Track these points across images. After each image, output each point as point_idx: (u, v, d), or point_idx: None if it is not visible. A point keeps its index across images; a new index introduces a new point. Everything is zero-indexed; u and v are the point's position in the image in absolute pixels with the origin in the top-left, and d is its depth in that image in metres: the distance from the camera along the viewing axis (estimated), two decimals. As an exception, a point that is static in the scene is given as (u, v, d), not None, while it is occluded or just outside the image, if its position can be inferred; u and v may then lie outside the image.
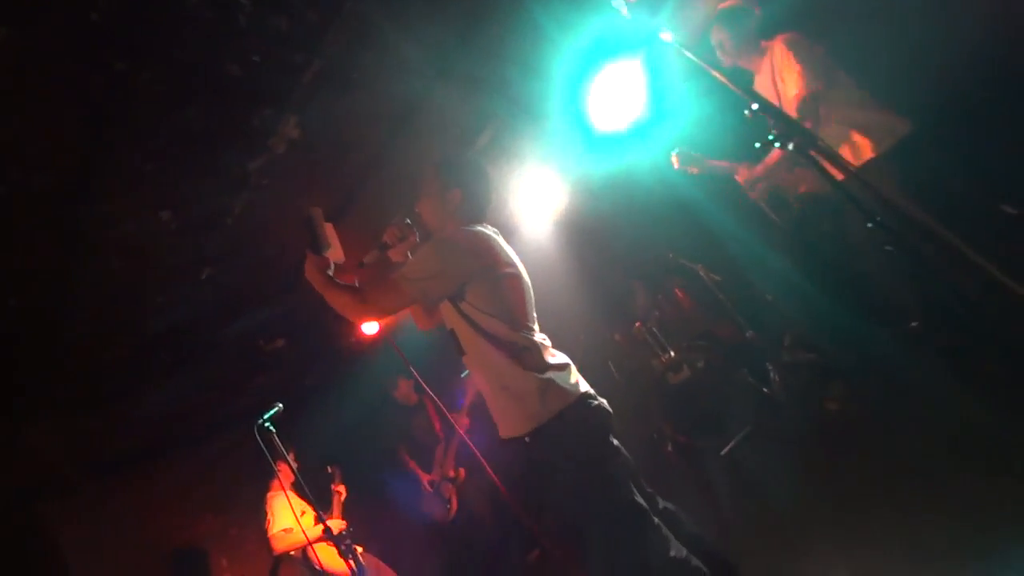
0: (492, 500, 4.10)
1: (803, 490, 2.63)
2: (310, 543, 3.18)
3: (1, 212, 1.95)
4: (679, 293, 4.14)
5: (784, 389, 3.60)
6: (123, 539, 3.58)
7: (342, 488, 3.55)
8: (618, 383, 4.35)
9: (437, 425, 4.29)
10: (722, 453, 3.44)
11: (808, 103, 2.34)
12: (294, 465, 2.66)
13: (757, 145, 1.26)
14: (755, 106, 1.25)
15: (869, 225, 1.18)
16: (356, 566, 2.66)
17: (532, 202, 4.16)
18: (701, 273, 3.79)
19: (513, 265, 1.82)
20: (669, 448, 3.92)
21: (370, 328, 4.69)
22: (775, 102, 2.43)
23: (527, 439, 1.63)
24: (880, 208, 1.12)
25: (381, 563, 3.48)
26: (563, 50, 3.15)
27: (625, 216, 3.96)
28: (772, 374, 3.67)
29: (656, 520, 1.60)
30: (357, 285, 1.97)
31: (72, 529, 3.45)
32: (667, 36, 1.37)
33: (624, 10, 1.62)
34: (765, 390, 3.68)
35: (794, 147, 1.20)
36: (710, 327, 4.01)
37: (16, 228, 2.04)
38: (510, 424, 1.69)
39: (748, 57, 2.58)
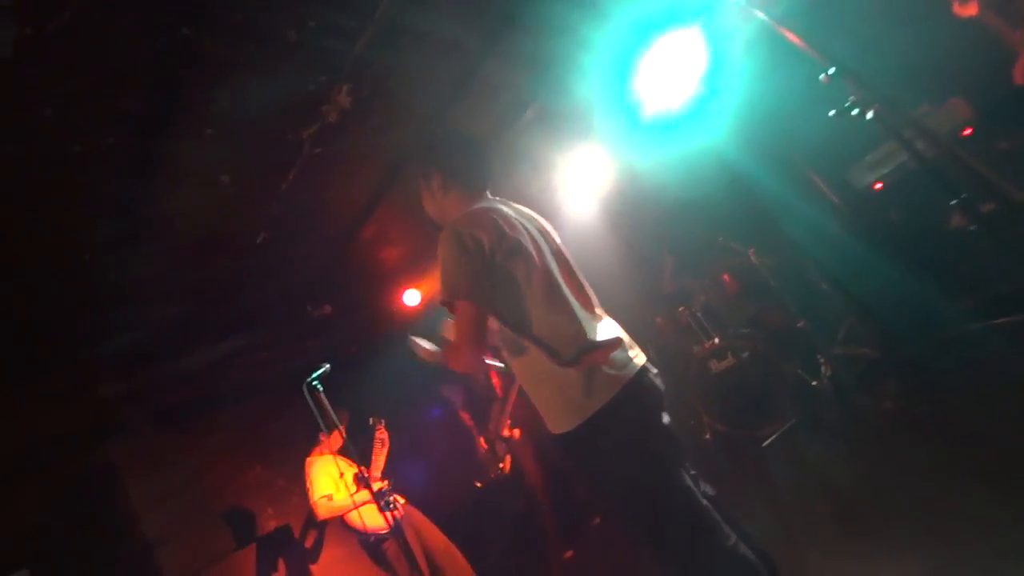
0: (544, 464, 4.10)
1: (846, 487, 2.52)
2: (351, 508, 3.30)
3: (72, 172, 2.07)
4: (726, 277, 3.99)
5: (835, 383, 3.44)
6: (180, 482, 3.86)
7: (385, 436, 3.59)
8: (658, 367, 4.27)
9: (496, 382, 4.22)
10: (764, 445, 3.35)
11: None
12: (340, 422, 2.77)
13: (832, 113, 1.17)
14: (832, 70, 1.17)
15: (953, 203, 1.08)
16: (394, 521, 2.76)
17: (577, 180, 4.08)
18: (752, 257, 3.63)
19: (520, 244, 1.53)
20: (707, 436, 3.84)
21: (412, 299, 4.81)
22: None
23: (575, 434, 1.47)
24: (972, 186, 1.03)
25: (422, 515, 3.58)
26: (615, 22, 3.04)
27: (673, 195, 3.82)
28: (823, 367, 3.52)
29: (705, 504, 1.50)
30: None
31: (136, 470, 3.76)
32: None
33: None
34: (814, 383, 3.53)
35: (874, 115, 1.11)
36: (758, 314, 3.86)
37: (85, 189, 2.17)
38: (555, 419, 1.52)
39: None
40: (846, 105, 1.12)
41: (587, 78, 3.47)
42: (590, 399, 1.44)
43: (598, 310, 1.62)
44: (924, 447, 2.48)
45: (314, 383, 2.62)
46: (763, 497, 2.89)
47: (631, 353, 1.55)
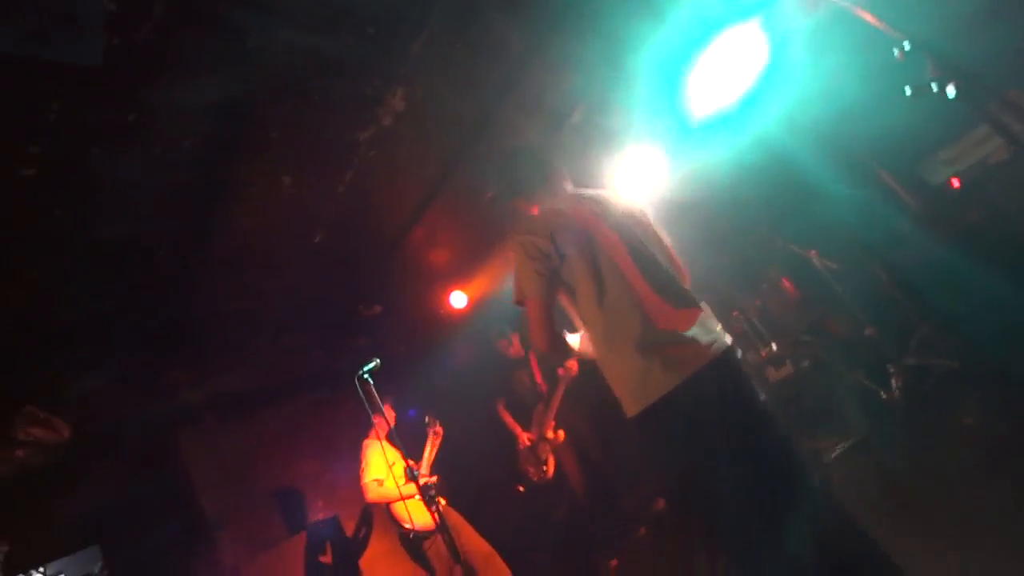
0: (587, 469, 4.05)
1: (913, 509, 2.32)
2: (398, 499, 3.36)
3: (150, 174, 2.24)
4: (786, 282, 3.80)
5: (906, 396, 3.20)
6: (239, 472, 4.07)
7: (440, 431, 3.63)
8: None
9: (541, 383, 4.19)
10: (831, 457, 3.14)
11: None
12: (390, 416, 2.85)
13: (908, 91, 1.09)
14: (907, 45, 1.09)
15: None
16: (440, 518, 2.79)
17: (627, 180, 4.02)
18: (814, 260, 3.45)
19: (579, 243, 1.62)
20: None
21: (459, 301, 4.87)
22: None
23: (638, 420, 1.54)
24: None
25: (462, 519, 3.60)
26: (671, 23, 2.99)
27: (729, 195, 3.68)
28: (893, 378, 3.28)
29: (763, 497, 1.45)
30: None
31: (198, 457, 4.00)
32: None
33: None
34: (883, 395, 3.29)
35: (956, 91, 1.03)
36: (820, 320, 3.65)
37: (163, 190, 2.34)
38: (624, 404, 1.59)
39: None
40: (925, 82, 1.04)
41: (640, 79, 3.44)
42: (645, 392, 1.51)
43: (675, 298, 1.60)
44: (1006, 468, 2.26)
45: (365, 376, 2.71)
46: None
47: (698, 345, 1.52)
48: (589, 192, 1.84)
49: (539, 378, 4.23)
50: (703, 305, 1.63)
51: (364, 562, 4.12)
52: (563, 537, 4.14)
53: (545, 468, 3.98)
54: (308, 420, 4.52)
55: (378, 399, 2.89)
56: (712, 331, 1.57)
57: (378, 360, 2.81)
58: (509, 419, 4.19)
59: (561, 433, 4.02)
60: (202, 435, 4.11)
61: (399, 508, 3.41)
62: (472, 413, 4.70)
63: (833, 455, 3.14)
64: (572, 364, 3.95)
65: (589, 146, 3.79)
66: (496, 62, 2.91)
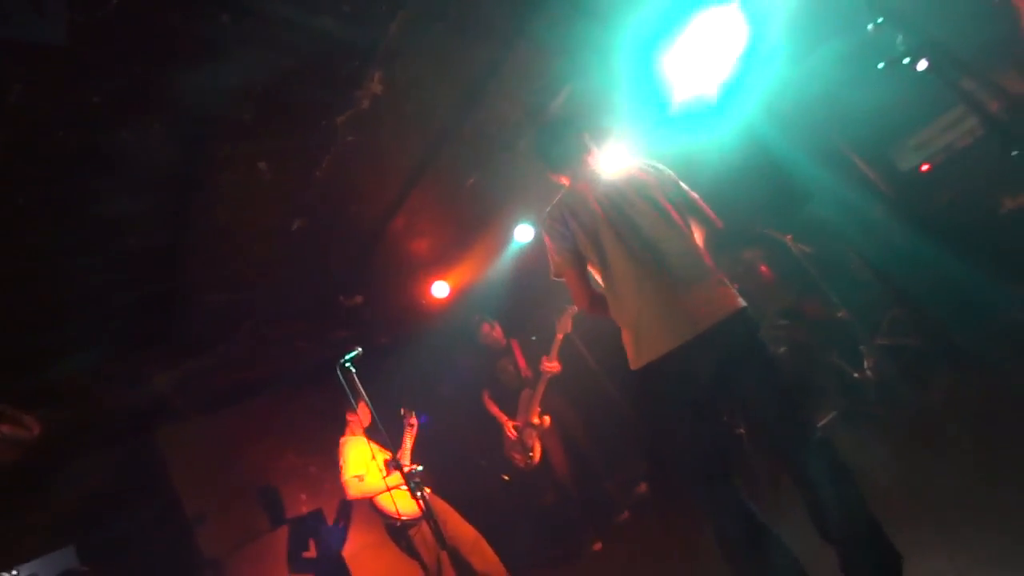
0: (572, 454, 4.08)
1: (885, 481, 2.40)
2: (383, 491, 3.35)
3: (118, 158, 2.16)
4: (762, 267, 3.87)
5: (878, 375, 3.30)
6: (219, 466, 4.01)
7: (415, 421, 3.62)
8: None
9: (524, 369, 4.21)
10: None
11: None
12: (371, 405, 2.83)
13: (881, 65, 1.11)
14: (880, 20, 1.11)
15: (1014, 153, 1.02)
16: (425, 505, 2.79)
17: (609, 165, 4.03)
18: (790, 244, 3.52)
19: (583, 229, 1.83)
20: (742, 431, 3.74)
21: (441, 291, 4.85)
22: None
23: (636, 375, 1.74)
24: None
25: (448, 506, 3.61)
26: (648, 4, 2.98)
27: (708, 179, 3.71)
28: (865, 358, 3.38)
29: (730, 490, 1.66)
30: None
31: (178, 452, 3.93)
32: None
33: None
34: (856, 374, 3.39)
35: (929, 65, 1.05)
36: (796, 303, 3.73)
37: (129, 174, 2.26)
38: (629, 361, 1.80)
39: None
40: (897, 56, 1.06)
41: (619, 63, 3.44)
42: (638, 358, 1.72)
43: (672, 271, 1.72)
44: (971, 441, 2.35)
45: (347, 364, 2.67)
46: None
47: (680, 325, 1.65)
48: (591, 169, 1.99)
49: (523, 365, 4.25)
50: (704, 269, 1.73)
51: (348, 554, 4.11)
52: (549, 522, 4.18)
53: (532, 454, 4.01)
54: (290, 412, 4.47)
55: (361, 388, 2.86)
56: (711, 300, 1.67)
57: (360, 349, 2.77)
58: (494, 408, 4.21)
59: (547, 418, 4.05)
60: (182, 428, 4.03)
61: (384, 500, 3.40)
62: (456, 403, 4.70)
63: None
64: (553, 363, 3.99)
65: (572, 130, 3.78)
66: (477, 44, 2.88)
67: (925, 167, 3.00)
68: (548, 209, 1.93)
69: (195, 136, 2.24)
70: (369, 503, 3.46)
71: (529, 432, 4.04)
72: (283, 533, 4.02)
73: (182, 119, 2.12)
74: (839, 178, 3.07)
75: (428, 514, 2.90)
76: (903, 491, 2.28)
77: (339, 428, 3.62)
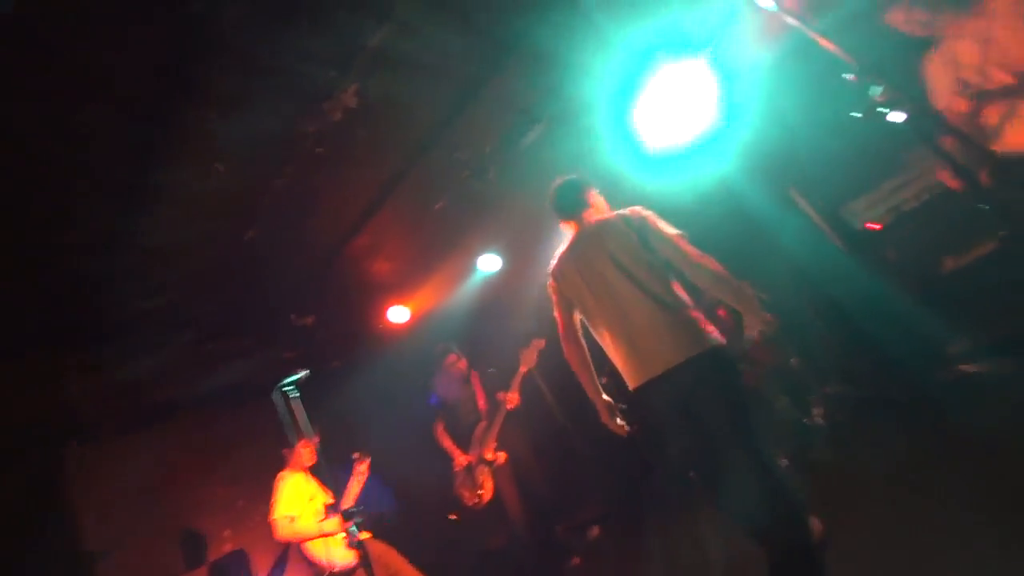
0: (525, 494, 3.89)
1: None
2: (316, 535, 3.07)
3: (62, 143, 1.98)
4: (720, 310, 3.95)
5: (827, 422, 3.38)
6: (133, 493, 3.58)
7: (365, 472, 3.38)
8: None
9: (481, 402, 4.05)
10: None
11: None
12: (315, 438, 2.60)
13: (858, 115, 1.14)
14: (853, 75, 1.14)
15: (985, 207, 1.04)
16: (363, 554, 2.54)
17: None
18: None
19: (569, 287, 2.18)
20: (692, 475, 3.72)
21: (400, 316, 4.68)
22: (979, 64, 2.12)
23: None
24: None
25: (392, 550, 3.35)
26: (618, 52, 3.09)
27: (675, 220, 3.80)
28: (814, 405, 3.45)
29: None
30: None
31: (90, 476, 3.48)
32: (766, 2, 1.26)
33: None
34: (805, 421, 3.46)
35: (907, 117, 1.08)
36: (750, 349, 3.80)
37: (72, 161, 2.06)
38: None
39: (946, 25, 2.26)
40: (873, 107, 1.09)
41: (592, 105, 3.53)
42: (629, 383, 2.01)
43: (640, 317, 1.98)
44: (909, 488, 2.41)
45: (290, 388, 2.43)
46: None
47: (644, 369, 1.94)
48: (587, 222, 2.27)
49: (481, 398, 4.10)
50: (663, 321, 1.93)
51: (276, 602, 3.73)
52: (499, 566, 3.95)
53: (481, 493, 3.81)
54: (224, 438, 4.09)
55: (303, 418, 2.61)
56: (679, 342, 1.88)
57: (307, 371, 2.55)
58: (447, 441, 4.01)
59: (502, 455, 3.89)
60: (95, 448, 3.59)
61: (315, 547, 3.10)
62: (407, 435, 4.47)
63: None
64: (513, 397, 3.89)
65: (544, 165, 3.81)
66: (454, 75, 2.88)
67: (874, 226, 3.18)
68: (552, 263, 2.27)
69: (147, 124, 2.08)
70: (299, 551, 3.16)
71: (481, 468, 3.86)
72: (200, 575, 3.61)
73: (131, 104, 1.97)
74: (798, 229, 3.19)
75: (365, 562, 2.67)
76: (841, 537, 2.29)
77: (279, 460, 3.32)
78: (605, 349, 2.07)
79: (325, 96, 2.40)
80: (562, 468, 4.33)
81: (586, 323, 2.15)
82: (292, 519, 3.09)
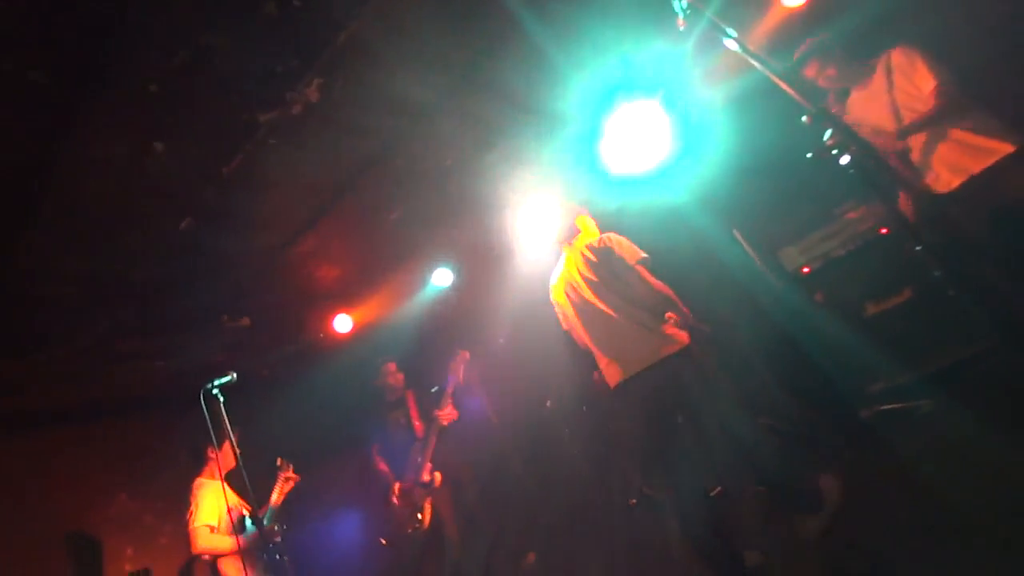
0: (463, 517, 3.76)
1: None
2: (232, 551, 2.82)
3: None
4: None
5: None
6: (24, 503, 3.15)
7: (292, 475, 3.19)
8: (589, 423, 4.19)
9: (417, 424, 3.88)
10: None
11: (944, 105, 2.20)
12: (235, 444, 2.40)
13: (809, 155, 1.21)
14: (808, 117, 1.22)
15: (918, 248, 1.11)
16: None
17: (537, 222, 4.10)
18: (691, 321, 3.73)
19: (555, 292, 2.74)
20: (633, 502, 3.74)
21: (343, 325, 4.49)
22: (887, 115, 2.40)
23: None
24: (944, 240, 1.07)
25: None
26: (577, 90, 3.21)
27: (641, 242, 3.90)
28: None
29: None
30: None
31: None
32: (731, 44, 1.33)
33: (680, 21, 1.62)
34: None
35: (851, 159, 1.15)
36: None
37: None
38: None
39: (854, 78, 2.56)
40: (823, 145, 1.16)
41: (555, 127, 3.61)
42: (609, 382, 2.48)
43: (614, 328, 2.45)
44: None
45: (214, 391, 2.26)
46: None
47: (621, 371, 2.40)
48: (574, 245, 2.74)
49: (416, 418, 3.96)
50: (633, 330, 2.39)
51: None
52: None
53: (420, 517, 3.65)
54: (133, 446, 3.70)
55: (227, 422, 2.43)
56: (648, 348, 2.34)
57: (234, 374, 2.37)
58: (383, 465, 3.83)
59: (438, 475, 3.75)
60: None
61: (230, 565, 2.85)
62: (342, 455, 4.24)
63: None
64: (448, 412, 3.81)
65: (504, 182, 3.83)
66: (428, 77, 2.86)
67: (806, 269, 3.40)
68: (550, 282, 2.81)
69: (79, 94, 1.89)
70: (212, 566, 2.88)
71: (419, 492, 3.71)
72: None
73: (68, 62, 1.79)
74: (740, 265, 3.36)
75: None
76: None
77: (195, 467, 3.04)
78: (592, 355, 2.51)
79: (287, 86, 2.30)
80: (500, 490, 4.24)
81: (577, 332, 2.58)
82: (213, 529, 2.84)
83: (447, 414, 3.80)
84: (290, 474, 3.19)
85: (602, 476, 3.98)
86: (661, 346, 2.33)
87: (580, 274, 2.57)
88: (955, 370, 2.63)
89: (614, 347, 2.41)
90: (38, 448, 3.36)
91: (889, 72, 2.44)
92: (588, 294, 2.50)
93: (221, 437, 2.41)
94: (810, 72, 2.62)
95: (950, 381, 2.62)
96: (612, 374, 2.41)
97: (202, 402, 2.26)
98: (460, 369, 3.88)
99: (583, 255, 2.59)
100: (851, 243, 3.23)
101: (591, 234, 2.73)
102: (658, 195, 3.21)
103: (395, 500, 3.72)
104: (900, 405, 2.80)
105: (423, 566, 3.68)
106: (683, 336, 2.39)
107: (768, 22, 3.10)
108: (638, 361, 2.32)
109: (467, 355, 3.96)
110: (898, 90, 2.40)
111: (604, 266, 2.51)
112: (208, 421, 2.26)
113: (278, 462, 3.23)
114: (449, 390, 3.85)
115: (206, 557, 2.86)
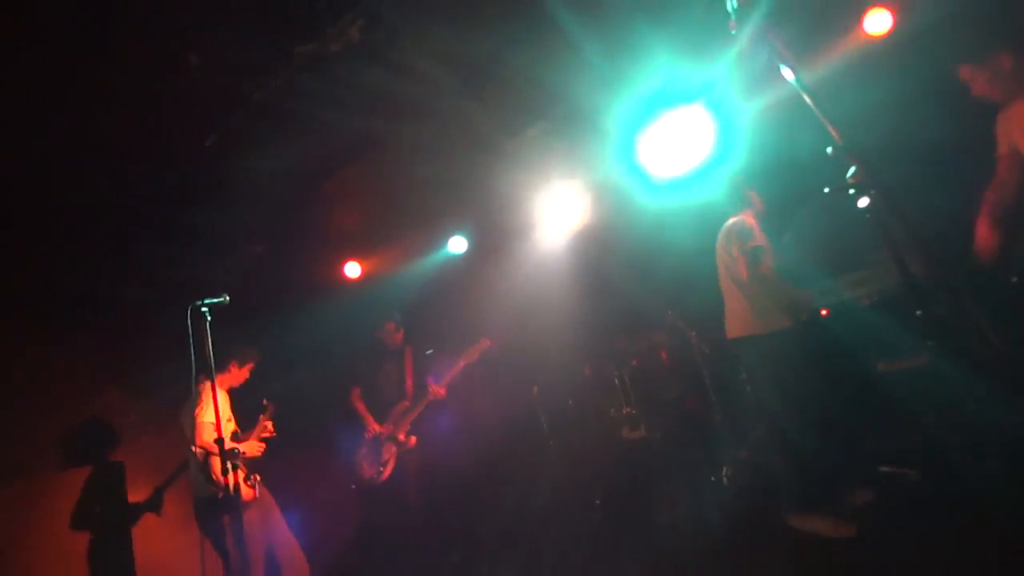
0: (426, 484, 3.81)
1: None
2: (227, 452, 2.93)
3: None
4: (663, 352, 4.00)
5: (732, 484, 3.45)
6: (15, 383, 3.31)
7: (270, 425, 3.27)
8: (571, 418, 4.18)
9: (409, 382, 3.94)
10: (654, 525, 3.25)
11: None
12: (237, 365, 2.47)
13: (827, 190, 1.12)
14: (832, 149, 1.13)
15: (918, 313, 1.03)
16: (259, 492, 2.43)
17: (555, 210, 4.05)
18: (692, 340, 3.66)
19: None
20: (598, 502, 3.74)
21: (353, 271, 4.54)
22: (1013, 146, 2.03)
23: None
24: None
25: (274, 502, 3.25)
26: (621, 94, 3.12)
27: (654, 252, 3.82)
28: (725, 466, 3.52)
29: None
30: None
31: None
32: (787, 73, 1.21)
33: (732, 24, 1.52)
34: (712, 479, 3.52)
35: (868, 201, 1.06)
36: (681, 395, 3.86)
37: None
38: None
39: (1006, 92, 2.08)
40: (844, 186, 1.07)
41: (597, 118, 3.51)
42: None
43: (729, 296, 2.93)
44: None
45: (203, 309, 2.30)
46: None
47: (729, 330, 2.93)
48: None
49: (409, 378, 4.00)
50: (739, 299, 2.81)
51: (141, 522, 3.53)
52: (380, 544, 3.85)
53: (382, 469, 3.72)
54: (130, 345, 3.81)
55: (210, 340, 2.44)
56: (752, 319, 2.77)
57: (227, 297, 2.40)
58: (362, 408, 3.89)
59: (413, 439, 3.81)
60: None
61: (219, 466, 2.96)
62: (323, 394, 4.32)
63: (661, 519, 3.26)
64: (440, 389, 3.84)
65: (536, 163, 3.77)
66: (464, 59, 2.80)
67: (824, 311, 3.25)
68: None
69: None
70: (202, 464, 2.99)
71: (388, 446, 3.77)
72: (74, 477, 3.38)
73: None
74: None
75: (261, 502, 2.57)
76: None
77: (217, 368, 3.13)
78: None
79: (327, 20, 2.26)
80: (470, 475, 4.23)
81: None
82: (213, 426, 2.96)
83: (439, 391, 3.82)
84: (268, 424, 3.26)
85: (574, 473, 3.98)
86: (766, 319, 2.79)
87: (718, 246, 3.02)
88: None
89: (728, 309, 3.00)
90: (45, 332, 3.50)
91: None
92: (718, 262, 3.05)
93: (203, 353, 2.45)
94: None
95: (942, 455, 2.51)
96: (727, 329, 2.98)
97: (188, 318, 2.30)
98: (475, 354, 3.88)
99: (721, 231, 2.93)
100: (875, 297, 3.08)
101: (757, 209, 2.92)
102: (697, 195, 3.15)
103: (363, 446, 3.78)
104: (892, 470, 2.71)
105: (377, 516, 3.76)
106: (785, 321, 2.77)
107: (847, 45, 2.93)
108: (745, 327, 2.87)
109: (488, 343, 3.92)
110: None
111: (722, 248, 2.94)
112: (190, 335, 2.30)
113: (264, 402, 3.31)
114: (456, 369, 3.85)
115: (199, 450, 2.98)
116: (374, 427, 3.80)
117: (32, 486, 3.28)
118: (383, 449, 3.76)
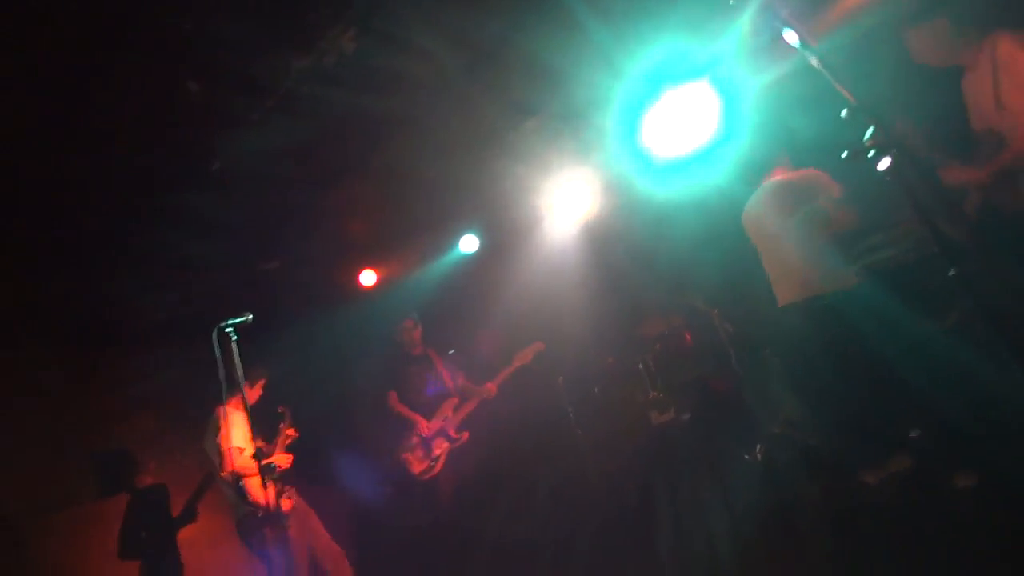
0: (469, 488, 3.84)
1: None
2: (256, 474, 3.00)
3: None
4: (687, 333, 3.95)
5: (767, 462, 3.40)
6: (58, 409, 3.42)
7: (292, 431, 3.32)
8: (599, 407, 4.16)
9: (447, 377, 3.99)
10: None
11: None
12: (248, 385, 2.51)
13: (845, 155, 1.08)
14: (847, 111, 1.08)
15: (951, 273, 0.99)
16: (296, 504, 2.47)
17: (563, 200, 4.01)
18: (715, 319, 3.60)
19: None
20: (630, 486, 3.72)
21: (368, 279, 4.57)
22: (987, 105, 1.95)
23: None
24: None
25: (315, 514, 3.31)
26: (624, 75, 3.06)
27: (665, 236, 3.77)
28: (758, 442, 3.47)
29: None
30: None
31: (8, 384, 3.31)
32: (791, 37, 1.17)
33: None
34: (746, 456, 3.48)
35: (889, 163, 1.02)
36: (706, 375, 3.81)
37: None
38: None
39: (961, 53, 2.04)
40: (863, 148, 1.03)
41: (599, 107, 3.46)
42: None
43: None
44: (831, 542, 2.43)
45: (228, 330, 2.33)
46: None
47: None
48: None
49: (446, 375, 4.02)
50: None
51: (184, 540, 3.62)
52: (414, 543, 3.89)
53: (433, 465, 3.73)
54: (163, 372, 3.90)
55: (238, 360, 2.49)
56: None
57: (251, 315, 2.44)
58: (405, 409, 3.88)
59: (466, 434, 3.83)
60: (19, 360, 3.41)
61: (255, 485, 3.02)
62: (357, 397, 4.37)
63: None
64: (492, 387, 3.91)
65: (535, 155, 3.73)
66: (466, 43, 2.77)
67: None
68: None
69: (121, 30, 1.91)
70: (235, 485, 3.06)
71: (439, 442, 3.79)
72: (119, 503, 3.49)
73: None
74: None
75: (290, 515, 2.62)
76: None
77: (226, 393, 3.19)
78: None
79: (320, 34, 2.26)
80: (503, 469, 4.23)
81: None
82: (241, 451, 3.03)
83: (491, 389, 3.90)
84: (289, 431, 3.31)
85: (602, 463, 3.96)
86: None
87: None
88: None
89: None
90: (84, 361, 3.61)
91: (995, 67, 1.95)
92: None
93: (232, 373, 2.49)
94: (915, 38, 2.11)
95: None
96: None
97: (214, 340, 2.34)
98: (529, 356, 3.96)
99: None
100: (903, 257, 2.97)
101: None
102: (701, 176, 3.07)
103: (413, 440, 3.78)
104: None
105: (418, 517, 3.79)
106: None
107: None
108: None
109: (542, 346, 4.00)
110: (1005, 91, 1.91)
111: None
112: (218, 357, 2.34)
113: (279, 410, 3.35)
114: (509, 370, 3.94)
115: (228, 477, 3.05)
116: (425, 425, 3.80)
117: (80, 514, 3.39)
118: (433, 445, 3.78)
